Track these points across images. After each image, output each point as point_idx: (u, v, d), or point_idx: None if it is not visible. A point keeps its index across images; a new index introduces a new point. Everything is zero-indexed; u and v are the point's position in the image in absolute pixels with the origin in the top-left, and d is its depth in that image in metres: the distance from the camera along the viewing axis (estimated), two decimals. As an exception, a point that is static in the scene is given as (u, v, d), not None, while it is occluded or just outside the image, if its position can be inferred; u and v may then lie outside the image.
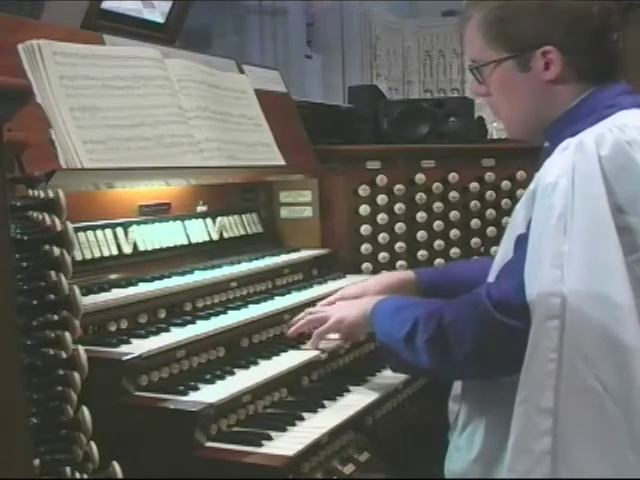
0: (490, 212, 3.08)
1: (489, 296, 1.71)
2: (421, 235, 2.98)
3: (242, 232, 2.72)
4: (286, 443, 1.71)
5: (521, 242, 1.68)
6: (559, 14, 1.77)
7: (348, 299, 2.21)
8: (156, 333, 1.91)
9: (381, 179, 2.91)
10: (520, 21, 1.79)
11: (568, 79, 1.78)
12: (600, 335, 1.54)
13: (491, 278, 1.81)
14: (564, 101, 1.80)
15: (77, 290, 1.28)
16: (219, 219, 2.60)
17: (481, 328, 1.71)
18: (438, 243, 3.01)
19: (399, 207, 2.94)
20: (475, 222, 3.07)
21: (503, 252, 1.79)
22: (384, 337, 1.95)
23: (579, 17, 1.76)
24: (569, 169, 1.62)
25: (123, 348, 1.79)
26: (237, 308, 2.19)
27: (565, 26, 1.76)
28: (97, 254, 2.13)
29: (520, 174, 3.10)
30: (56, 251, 1.29)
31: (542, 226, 1.63)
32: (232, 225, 2.67)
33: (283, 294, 2.41)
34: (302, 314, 2.19)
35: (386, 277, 2.35)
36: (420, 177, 2.98)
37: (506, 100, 1.88)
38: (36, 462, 1.23)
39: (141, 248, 2.28)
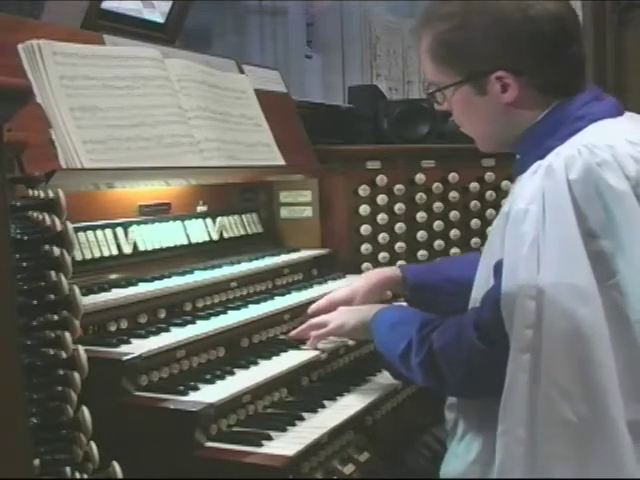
0: (490, 212, 3.08)
1: (475, 325, 1.70)
2: (421, 235, 2.98)
3: (242, 232, 2.72)
4: (286, 443, 1.71)
5: (499, 269, 1.65)
6: (508, 37, 1.71)
7: (338, 303, 2.21)
8: (156, 333, 1.91)
9: (381, 179, 2.91)
10: (470, 46, 1.74)
11: (528, 98, 1.74)
12: (574, 367, 1.52)
13: (474, 295, 1.79)
14: (529, 117, 1.76)
15: (77, 290, 1.28)
16: (219, 219, 2.60)
17: (468, 357, 1.70)
18: (438, 243, 3.01)
19: (399, 207, 2.94)
20: (475, 222, 3.07)
21: (485, 273, 1.76)
22: (383, 349, 1.97)
23: (529, 38, 1.71)
24: (539, 195, 1.59)
25: (123, 348, 1.79)
26: (237, 308, 2.19)
27: (515, 49, 1.71)
28: (97, 254, 2.13)
29: (520, 174, 3.09)
30: (56, 251, 1.29)
31: (514, 254, 1.60)
32: (232, 225, 2.67)
33: (283, 294, 2.41)
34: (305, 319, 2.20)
35: (373, 275, 2.34)
36: (420, 177, 2.98)
37: (468, 120, 1.85)
38: (36, 462, 1.23)
39: (141, 248, 2.28)
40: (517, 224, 1.61)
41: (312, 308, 2.25)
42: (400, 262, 2.93)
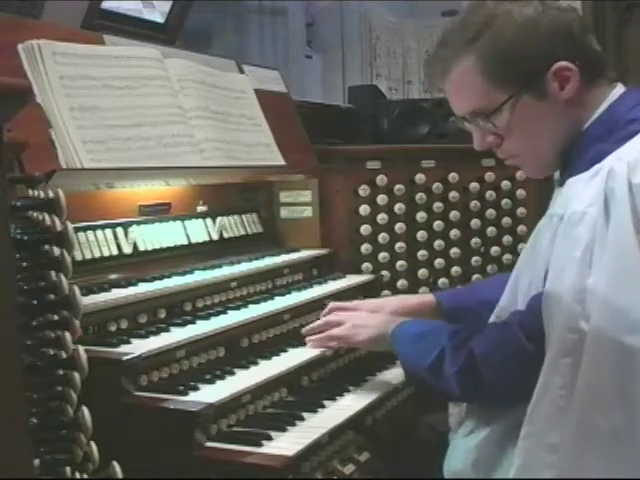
0: (490, 212, 3.08)
1: (521, 326, 1.67)
2: (421, 235, 2.98)
3: (242, 232, 2.72)
4: (286, 443, 1.71)
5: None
6: (552, 30, 1.72)
7: (364, 309, 2.20)
8: (156, 333, 1.91)
9: (381, 179, 2.91)
10: (521, 50, 1.71)
11: (585, 90, 1.73)
12: (615, 378, 1.50)
13: (507, 295, 1.78)
14: (582, 118, 1.74)
15: (77, 290, 1.28)
16: (219, 219, 2.60)
17: (515, 359, 1.68)
18: (438, 243, 3.01)
19: (399, 207, 2.94)
20: (475, 222, 3.07)
21: (528, 280, 1.73)
22: (407, 362, 1.95)
23: (568, 27, 1.73)
24: (599, 199, 1.56)
25: (123, 348, 1.79)
26: (237, 308, 2.19)
27: (562, 39, 1.72)
28: (97, 254, 2.13)
29: (520, 174, 3.09)
30: (56, 251, 1.29)
31: (566, 257, 1.57)
32: (232, 225, 2.67)
33: (283, 294, 2.41)
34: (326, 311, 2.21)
35: (407, 298, 2.32)
36: (420, 177, 2.98)
37: (529, 136, 1.77)
38: (36, 462, 1.23)
39: (141, 248, 2.27)
40: (572, 226, 1.58)
41: (335, 304, 2.25)
42: (400, 262, 2.93)
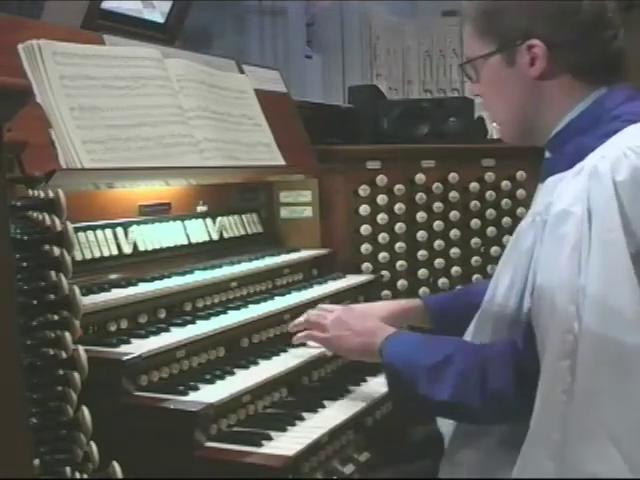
0: (490, 212, 3.08)
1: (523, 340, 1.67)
2: (421, 235, 2.98)
3: (242, 232, 2.72)
4: (286, 443, 1.71)
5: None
6: (544, 8, 1.71)
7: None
8: (156, 333, 1.91)
9: (381, 179, 2.91)
10: (505, 14, 1.74)
11: (557, 76, 1.71)
12: (608, 378, 1.49)
13: (489, 296, 1.77)
14: (558, 101, 1.73)
15: (77, 290, 1.28)
16: (219, 219, 2.60)
17: (512, 368, 1.68)
18: (438, 243, 3.01)
19: (399, 207, 2.94)
20: (475, 222, 3.07)
21: (509, 280, 1.72)
22: (400, 363, 1.84)
23: (566, 11, 1.70)
24: (583, 197, 1.55)
25: (123, 348, 1.79)
26: (237, 308, 2.19)
27: (551, 20, 1.70)
28: (97, 254, 2.13)
29: (520, 174, 3.10)
30: (56, 251, 1.29)
31: (554, 258, 1.56)
32: (232, 225, 2.67)
33: (283, 294, 2.41)
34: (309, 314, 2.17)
35: (393, 304, 2.27)
36: (420, 177, 2.98)
37: (496, 98, 1.83)
38: (36, 462, 1.23)
39: (141, 248, 2.27)
40: (558, 226, 1.57)
41: (322, 306, 2.22)
42: (400, 262, 2.93)
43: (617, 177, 1.54)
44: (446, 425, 1.89)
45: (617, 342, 1.48)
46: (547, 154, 1.80)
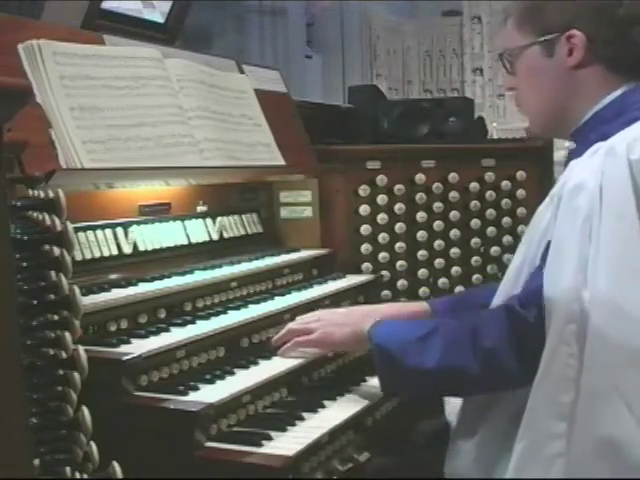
0: (490, 212, 3.08)
1: (518, 299, 1.70)
2: (421, 235, 2.98)
3: (242, 232, 2.71)
4: (286, 443, 1.71)
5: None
6: (587, 2, 1.80)
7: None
8: (156, 333, 1.91)
9: (381, 179, 2.91)
10: (548, 6, 1.83)
11: (591, 68, 1.79)
12: (621, 344, 1.52)
13: (506, 284, 1.80)
14: (590, 93, 1.80)
15: (77, 290, 1.28)
16: (219, 219, 2.60)
17: (507, 325, 1.70)
18: (438, 243, 3.01)
19: (399, 207, 2.94)
20: (475, 222, 3.07)
21: (521, 257, 1.76)
22: (389, 342, 1.85)
23: (606, 7, 1.78)
24: (597, 172, 1.61)
25: (123, 348, 1.79)
26: (237, 308, 2.19)
27: (591, 14, 1.78)
28: (97, 254, 2.13)
29: (520, 174, 3.10)
30: (56, 251, 1.29)
31: (567, 228, 1.61)
32: (232, 225, 2.67)
33: (283, 294, 2.41)
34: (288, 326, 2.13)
35: (399, 306, 2.29)
36: (420, 177, 2.98)
37: (531, 89, 1.89)
38: (36, 462, 1.23)
39: (141, 248, 2.27)
40: (572, 198, 1.62)
41: (300, 317, 2.17)
42: (400, 262, 2.93)
43: (632, 156, 1.60)
44: (453, 414, 1.90)
45: (629, 308, 1.52)
46: (572, 145, 1.86)
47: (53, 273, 1.29)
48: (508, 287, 1.80)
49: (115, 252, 2.19)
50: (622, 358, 1.52)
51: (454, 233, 3.04)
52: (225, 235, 2.62)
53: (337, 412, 1.92)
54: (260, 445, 1.69)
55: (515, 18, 1.90)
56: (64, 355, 1.29)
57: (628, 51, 1.79)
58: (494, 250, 3.08)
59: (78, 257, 2.05)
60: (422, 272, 2.98)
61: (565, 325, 1.56)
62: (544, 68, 1.85)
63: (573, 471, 1.55)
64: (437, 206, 3.00)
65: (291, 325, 2.11)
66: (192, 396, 1.75)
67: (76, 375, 1.29)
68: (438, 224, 3.01)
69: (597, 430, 1.53)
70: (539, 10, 1.85)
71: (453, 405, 1.94)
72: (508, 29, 1.92)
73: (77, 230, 2.05)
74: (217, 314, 2.11)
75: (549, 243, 1.66)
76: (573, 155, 1.78)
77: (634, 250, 1.55)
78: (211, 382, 1.84)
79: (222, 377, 1.88)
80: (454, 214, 3.03)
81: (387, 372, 1.88)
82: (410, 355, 1.80)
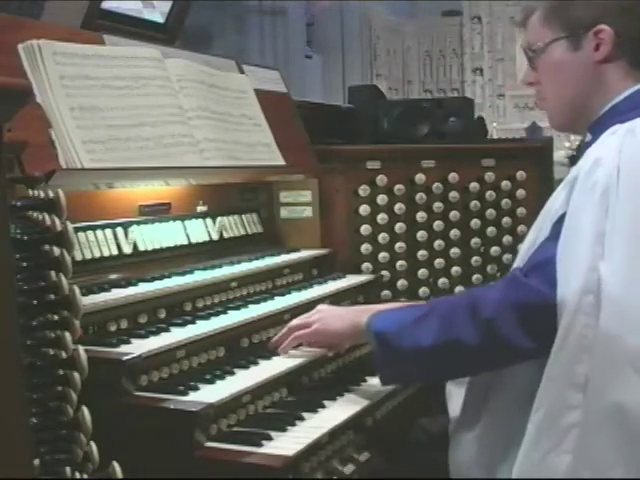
0: (490, 212, 3.08)
1: (522, 269, 1.73)
2: (421, 235, 2.98)
3: (242, 232, 2.72)
4: (286, 443, 1.71)
5: (561, 221, 1.68)
6: (615, 0, 1.83)
7: None
8: (156, 333, 1.91)
9: (381, 179, 2.91)
10: (576, 3, 1.86)
11: (617, 63, 1.83)
12: (633, 314, 1.56)
13: (519, 261, 1.82)
14: (612, 87, 1.83)
15: (77, 290, 1.28)
16: (219, 219, 2.60)
17: (510, 293, 1.71)
18: (438, 243, 3.01)
19: (399, 207, 2.94)
20: (475, 222, 3.07)
21: (533, 236, 1.79)
22: (387, 328, 1.85)
23: (634, 4, 1.83)
24: (616, 148, 1.65)
25: (123, 348, 1.79)
26: (237, 308, 2.19)
27: (619, 10, 1.82)
28: (97, 254, 2.13)
29: (520, 174, 3.10)
30: (56, 251, 1.29)
31: (584, 201, 1.64)
32: (232, 225, 2.67)
33: (283, 294, 2.41)
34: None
35: (400, 306, 2.31)
36: (420, 177, 2.98)
37: (555, 83, 1.91)
38: (36, 462, 1.23)
39: (141, 248, 2.27)
40: (590, 174, 1.65)
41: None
42: (400, 262, 2.93)
43: None
44: (453, 407, 1.91)
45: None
46: (588, 137, 1.88)
47: (53, 273, 1.29)
48: (518, 264, 1.82)
49: (115, 252, 2.19)
50: (634, 328, 1.55)
51: (454, 233, 3.04)
52: (225, 235, 2.62)
53: (337, 412, 1.92)
54: (260, 445, 1.69)
55: (541, 14, 1.92)
56: (64, 355, 1.29)
57: None
58: (494, 250, 3.08)
59: (78, 257, 2.05)
60: (422, 272, 2.98)
61: (583, 296, 1.59)
62: (569, 62, 1.87)
63: (585, 440, 1.58)
64: (437, 206, 3.01)
65: (291, 323, 2.12)
66: (192, 396, 1.75)
67: (76, 375, 1.29)
68: (438, 224, 3.01)
69: (608, 397, 1.56)
70: (567, 6, 1.87)
71: (456, 402, 1.94)
72: (533, 24, 1.94)
73: (77, 230, 2.05)
74: (217, 314, 2.11)
75: (562, 216, 1.69)
76: (589, 146, 1.81)
77: None
78: (211, 382, 1.84)
79: (222, 377, 1.88)
80: (454, 214, 3.03)
81: (385, 358, 1.87)
82: (407, 336, 1.81)
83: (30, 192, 1.36)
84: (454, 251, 3.03)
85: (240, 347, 2.10)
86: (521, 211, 3.12)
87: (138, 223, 2.29)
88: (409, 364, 1.86)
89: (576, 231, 1.64)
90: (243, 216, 2.74)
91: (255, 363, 2.00)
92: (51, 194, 1.33)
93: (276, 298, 2.35)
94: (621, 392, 1.55)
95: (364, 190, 2.89)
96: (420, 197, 2.97)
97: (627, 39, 1.83)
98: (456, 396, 1.95)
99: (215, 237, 2.57)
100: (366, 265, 2.89)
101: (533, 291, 1.67)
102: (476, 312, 1.73)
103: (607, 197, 1.62)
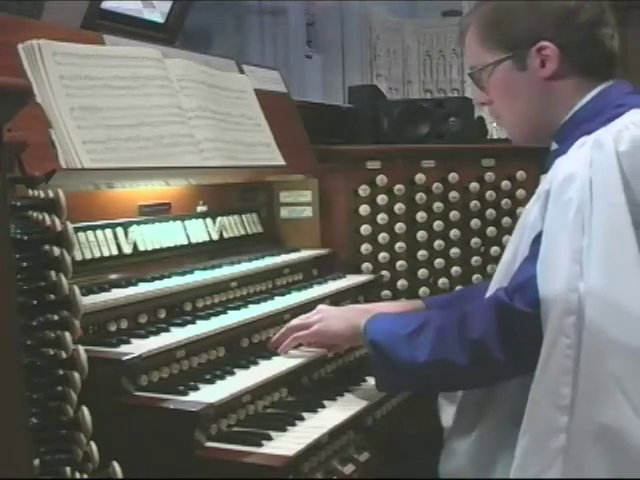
0: (490, 212, 3.08)
1: (505, 291, 1.72)
2: (421, 235, 2.97)
3: (242, 232, 2.72)
4: (286, 443, 1.71)
5: (539, 239, 1.67)
6: (550, 11, 1.79)
7: None
8: (156, 333, 1.91)
9: (381, 179, 2.90)
10: (513, 21, 1.82)
11: (566, 75, 1.79)
12: (615, 334, 1.54)
13: (496, 279, 1.81)
14: (567, 99, 1.80)
15: (77, 290, 1.28)
16: (219, 219, 2.60)
17: (495, 316, 1.70)
18: (438, 243, 3.01)
19: (399, 207, 2.94)
20: (475, 222, 3.06)
21: (511, 252, 1.78)
22: (382, 336, 1.88)
23: (570, 13, 1.78)
24: (586, 163, 1.62)
25: (123, 348, 1.79)
26: (237, 308, 2.19)
27: (557, 22, 1.78)
28: (97, 254, 2.13)
29: (520, 174, 3.10)
30: (56, 251, 1.29)
31: (559, 220, 1.62)
32: (232, 225, 2.67)
33: (283, 294, 2.41)
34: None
35: (395, 305, 2.32)
36: (420, 177, 2.98)
37: (507, 103, 1.88)
38: (36, 462, 1.23)
39: (141, 248, 2.27)
40: (562, 190, 1.64)
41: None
42: (400, 262, 2.93)
43: (619, 147, 1.62)
44: (445, 417, 1.90)
45: (620, 300, 1.54)
46: (554, 145, 1.86)
47: (53, 273, 1.29)
48: (499, 281, 1.81)
49: (115, 252, 2.19)
50: (617, 347, 1.54)
51: (454, 233, 3.03)
52: (225, 235, 2.62)
53: (337, 412, 1.92)
54: (260, 445, 1.69)
55: (476, 33, 1.87)
56: (64, 355, 1.29)
57: (597, 52, 1.81)
58: (494, 250, 3.08)
59: (78, 257, 2.05)
60: (422, 272, 2.98)
61: (564, 317, 1.57)
62: (518, 82, 1.83)
63: (573, 462, 1.56)
64: (437, 206, 3.00)
65: (291, 323, 2.12)
66: (192, 396, 1.75)
67: (76, 375, 1.29)
68: (438, 224, 3.01)
69: (596, 419, 1.54)
70: (502, 25, 1.83)
71: (448, 413, 1.94)
72: (470, 44, 1.90)
73: (77, 230, 2.05)
74: (217, 314, 2.11)
75: (538, 235, 1.67)
76: (557, 154, 1.78)
77: (624, 241, 1.57)
78: (211, 382, 1.84)
79: (222, 377, 1.88)
80: (454, 214, 3.03)
81: (381, 368, 1.92)
82: (402, 350, 1.82)
83: (30, 192, 1.36)
84: (454, 251, 3.03)
85: (240, 347, 2.10)
86: (521, 211, 3.11)
87: (138, 223, 2.29)
88: (402, 375, 1.88)
89: (553, 251, 1.62)
90: (243, 216, 2.74)
91: (255, 363, 2.00)
92: (51, 194, 1.33)
93: (276, 298, 2.35)
94: (607, 413, 1.53)
95: (364, 190, 2.89)
96: (420, 197, 2.97)
97: (572, 51, 1.79)
98: (447, 407, 1.95)
99: (215, 237, 2.57)
100: (366, 265, 2.89)
101: (517, 314, 1.67)
102: (465, 332, 1.74)
103: (582, 213, 1.59)
